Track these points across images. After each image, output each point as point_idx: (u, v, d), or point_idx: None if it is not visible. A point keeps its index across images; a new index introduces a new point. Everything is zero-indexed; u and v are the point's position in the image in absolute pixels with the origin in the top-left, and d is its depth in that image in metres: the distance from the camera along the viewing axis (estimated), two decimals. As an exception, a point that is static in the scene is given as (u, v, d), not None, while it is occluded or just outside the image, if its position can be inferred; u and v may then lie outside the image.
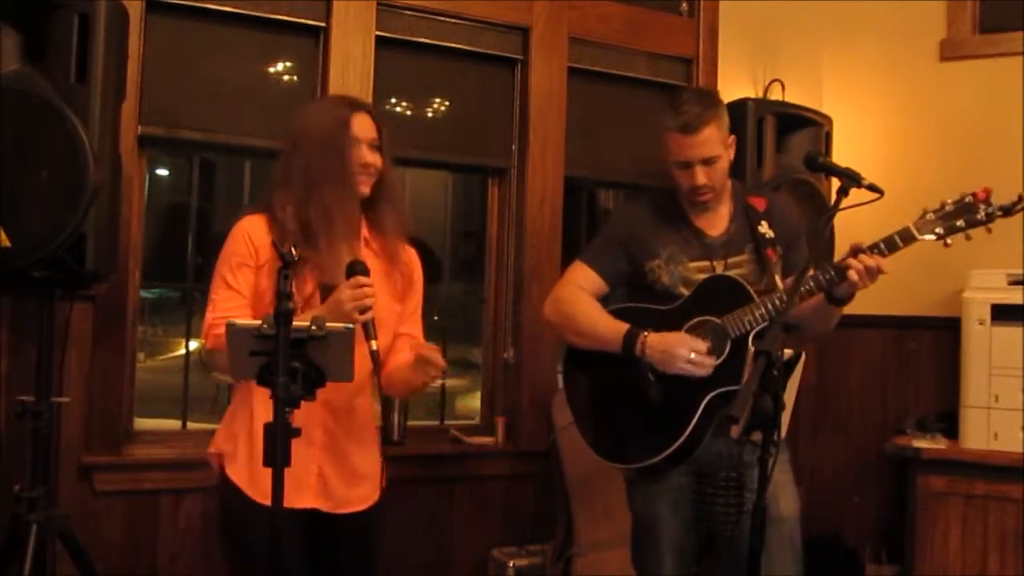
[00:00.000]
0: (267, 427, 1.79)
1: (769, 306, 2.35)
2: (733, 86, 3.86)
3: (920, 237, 2.34)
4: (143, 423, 3.20)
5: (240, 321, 1.85)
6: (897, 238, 2.34)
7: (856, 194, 2.32)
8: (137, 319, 3.16)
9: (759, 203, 2.56)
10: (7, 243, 2.31)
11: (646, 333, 2.41)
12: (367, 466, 2.30)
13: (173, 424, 3.27)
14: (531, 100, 3.61)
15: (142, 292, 3.25)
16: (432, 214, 3.90)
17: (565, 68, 3.68)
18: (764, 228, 2.50)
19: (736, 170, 3.31)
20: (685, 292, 2.47)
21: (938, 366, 3.92)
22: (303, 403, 2.03)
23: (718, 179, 2.48)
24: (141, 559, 2.99)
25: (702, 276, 2.47)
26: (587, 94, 3.80)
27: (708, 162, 2.44)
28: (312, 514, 2.20)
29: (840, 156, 3.42)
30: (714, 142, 2.45)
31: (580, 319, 2.53)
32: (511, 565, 3.34)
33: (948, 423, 3.71)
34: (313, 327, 1.83)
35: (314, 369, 1.85)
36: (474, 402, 3.87)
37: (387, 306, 2.27)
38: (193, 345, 3.28)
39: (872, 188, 2.27)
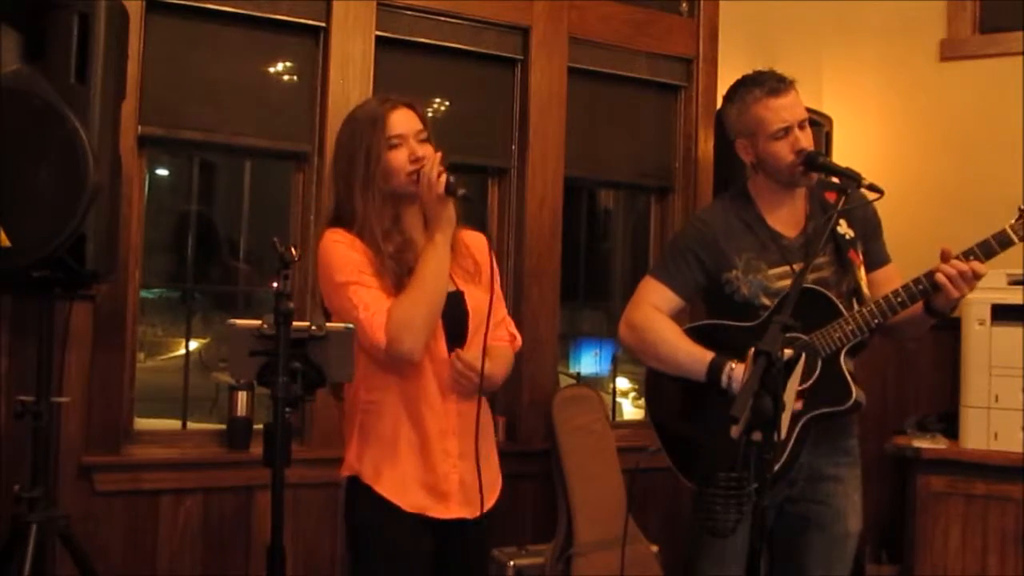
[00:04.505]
0: (267, 427, 1.79)
1: (860, 320, 2.25)
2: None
3: (1018, 240, 2.20)
4: (143, 423, 3.20)
5: (240, 321, 1.85)
6: (993, 242, 2.21)
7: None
8: (137, 319, 3.16)
9: (834, 198, 2.38)
10: (7, 243, 2.31)
11: (732, 364, 2.25)
12: (493, 455, 2.28)
13: (173, 424, 3.27)
14: (531, 100, 3.61)
15: (142, 292, 3.25)
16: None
17: (565, 68, 3.68)
18: (843, 227, 2.39)
19: (736, 170, 3.33)
20: (766, 302, 2.35)
21: (938, 366, 3.92)
22: (432, 414, 2.11)
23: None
24: (141, 559, 2.99)
25: (782, 284, 2.35)
26: (587, 94, 3.80)
27: (803, 125, 2.36)
28: (454, 522, 2.15)
29: (840, 156, 3.41)
30: (802, 106, 2.37)
31: (660, 347, 2.37)
32: (511, 565, 3.34)
33: (948, 423, 3.71)
34: (313, 327, 1.83)
35: (314, 369, 1.85)
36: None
37: (477, 297, 2.19)
38: (193, 345, 3.28)
39: (872, 188, 2.24)
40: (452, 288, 2.15)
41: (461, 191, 2.05)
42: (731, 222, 2.43)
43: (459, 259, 2.20)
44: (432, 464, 2.12)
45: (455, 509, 2.14)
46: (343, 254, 2.08)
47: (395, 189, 2.12)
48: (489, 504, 2.19)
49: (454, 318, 2.13)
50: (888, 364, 4.07)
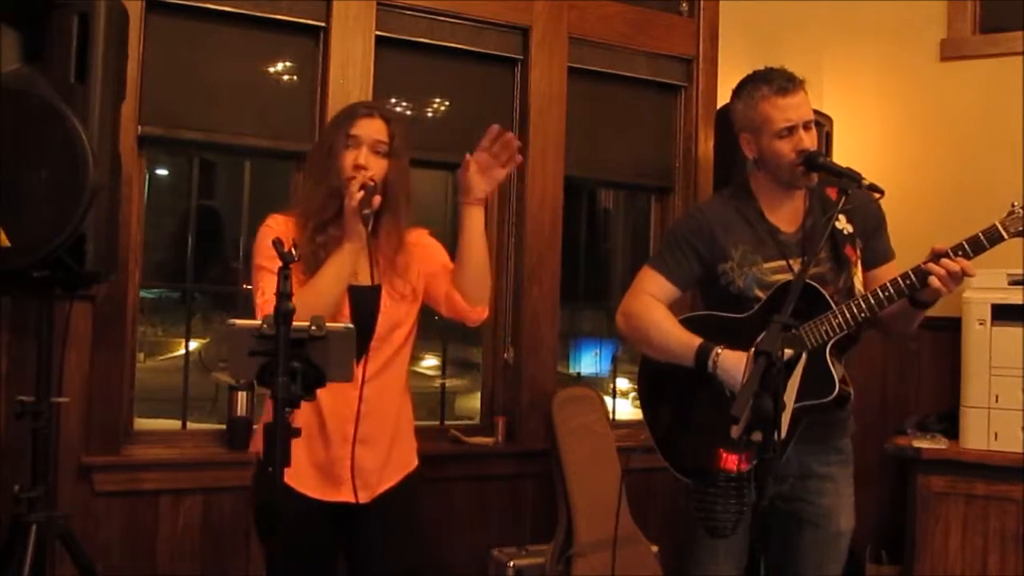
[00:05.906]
0: (267, 427, 1.79)
1: (847, 315, 2.25)
2: (733, 86, 3.85)
3: (1008, 236, 2.18)
4: (143, 423, 3.20)
5: (240, 321, 1.85)
6: (982, 238, 2.19)
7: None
8: (137, 319, 3.16)
9: (835, 194, 2.37)
10: (7, 243, 2.31)
11: (718, 350, 2.30)
12: (401, 441, 2.34)
13: (173, 424, 3.27)
14: (531, 100, 3.61)
15: (142, 292, 3.25)
16: (432, 214, 3.90)
17: (565, 68, 3.68)
18: (842, 223, 2.39)
19: (736, 170, 3.33)
20: (760, 295, 2.36)
21: (938, 366, 3.92)
22: (332, 399, 2.18)
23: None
24: (141, 559, 2.99)
25: (777, 277, 2.37)
26: (587, 94, 3.80)
27: (809, 126, 2.35)
28: (347, 505, 2.24)
29: (840, 156, 3.41)
30: (809, 107, 2.38)
31: (653, 333, 2.42)
32: (511, 565, 3.34)
33: (948, 423, 3.70)
34: (313, 327, 1.83)
35: (314, 369, 1.85)
36: (474, 402, 3.87)
37: (394, 303, 2.29)
38: (193, 345, 3.28)
39: (872, 188, 2.24)
40: (369, 283, 2.26)
41: (366, 210, 2.15)
42: (730, 215, 2.45)
43: (394, 259, 2.29)
44: (327, 447, 2.21)
45: (345, 493, 2.22)
46: (266, 239, 2.19)
47: (337, 187, 2.21)
48: (383, 487, 2.26)
49: (362, 308, 2.23)
50: (888, 364, 4.07)
